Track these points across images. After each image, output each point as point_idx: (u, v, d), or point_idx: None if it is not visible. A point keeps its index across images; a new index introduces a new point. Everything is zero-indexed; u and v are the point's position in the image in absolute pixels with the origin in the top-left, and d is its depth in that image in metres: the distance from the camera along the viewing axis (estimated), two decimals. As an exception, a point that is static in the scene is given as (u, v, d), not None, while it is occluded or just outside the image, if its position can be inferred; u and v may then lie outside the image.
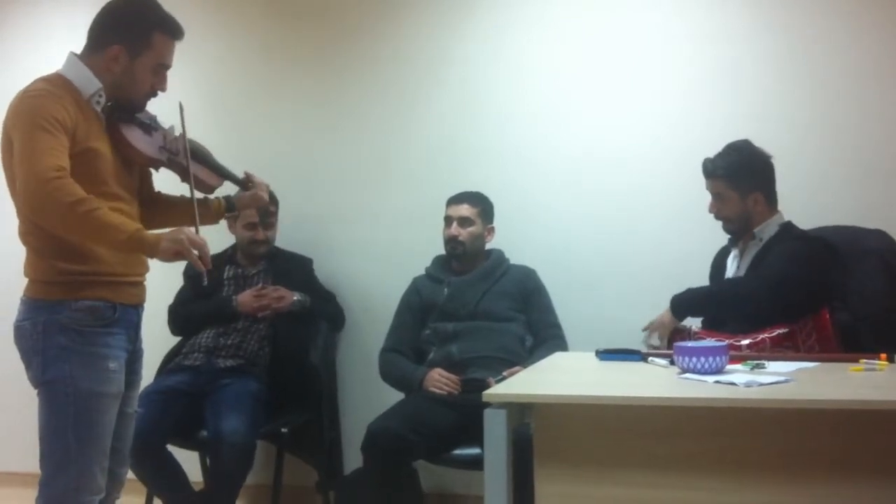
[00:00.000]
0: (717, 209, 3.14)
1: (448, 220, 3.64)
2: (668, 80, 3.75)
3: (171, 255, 2.33)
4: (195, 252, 2.34)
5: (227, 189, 2.78)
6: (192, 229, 2.45)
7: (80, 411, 2.38)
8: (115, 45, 2.46)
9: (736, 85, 3.66)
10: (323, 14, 4.20)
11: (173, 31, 2.54)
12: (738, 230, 3.16)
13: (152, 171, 2.70)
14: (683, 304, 3.03)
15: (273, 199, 3.82)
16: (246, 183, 2.76)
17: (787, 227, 3.09)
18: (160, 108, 2.62)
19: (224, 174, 2.72)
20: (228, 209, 2.74)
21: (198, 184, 2.61)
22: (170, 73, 2.59)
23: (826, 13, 3.58)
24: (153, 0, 2.56)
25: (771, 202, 3.13)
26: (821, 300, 2.93)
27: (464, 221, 3.61)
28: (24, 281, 2.48)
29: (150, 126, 2.59)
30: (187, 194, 2.62)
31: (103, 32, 2.49)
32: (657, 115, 3.75)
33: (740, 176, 3.08)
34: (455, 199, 3.67)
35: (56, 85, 2.41)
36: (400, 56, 4.10)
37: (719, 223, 3.21)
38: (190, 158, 2.59)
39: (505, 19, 3.96)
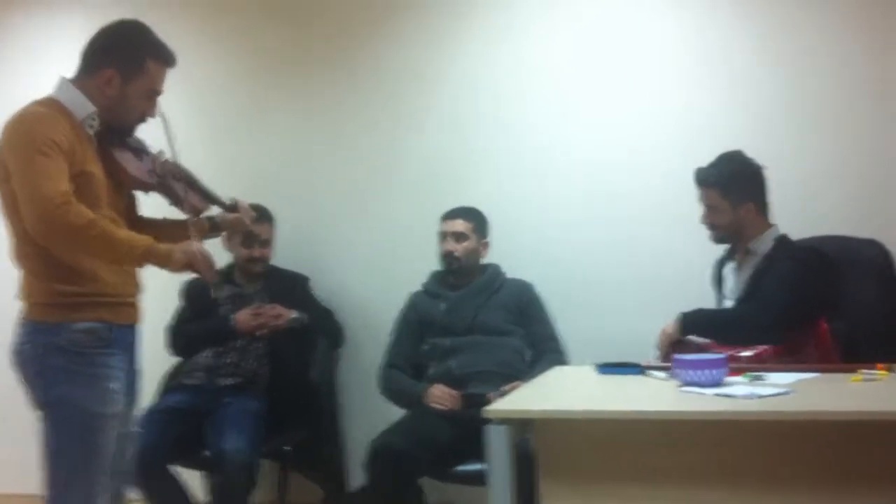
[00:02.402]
0: (709, 219, 3.16)
1: (443, 236, 3.65)
2: (665, 93, 3.76)
3: (181, 266, 2.41)
4: (204, 263, 2.43)
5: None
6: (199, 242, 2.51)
7: (83, 432, 2.39)
8: (108, 68, 2.48)
9: (735, 96, 3.67)
10: (318, 25, 4.21)
11: (166, 59, 2.56)
12: (726, 239, 3.17)
13: (138, 194, 2.71)
14: (691, 323, 3.04)
15: (268, 217, 3.83)
16: (231, 207, 2.77)
17: (782, 241, 3.10)
18: (146, 126, 2.63)
19: (210, 198, 2.74)
20: (213, 229, 2.75)
21: (187, 206, 2.63)
22: (165, 87, 2.60)
23: (824, 24, 3.59)
24: (146, 26, 2.58)
25: (763, 213, 3.14)
26: (819, 312, 2.94)
27: (458, 237, 3.63)
28: (15, 302, 2.48)
29: (140, 150, 2.62)
30: (170, 217, 2.66)
31: (97, 56, 2.51)
32: (655, 129, 3.77)
33: (732, 185, 3.09)
34: (449, 215, 3.68)
35: (51, 108, 2.42)
36: (396, 68, 4.10)
37: (719, 234, 3.24)
38: (180, 181, 2.62)
39: (502, 31, 3.97)
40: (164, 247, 2.40)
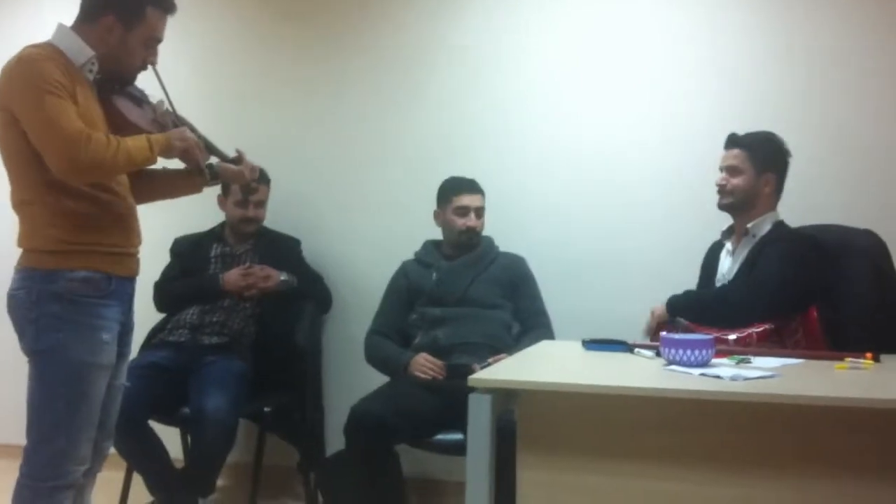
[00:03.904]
0: (728, 181, 3.10)
1: (464, 210, 3.58)
2: (664, 76, 3.75)
3: (179, 152, 2.53)
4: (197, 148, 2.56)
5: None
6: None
7: (71, 381, 2.39)
8: (108, 15, 2.47)
9: (732, 82, 3.66)
10: (324, -1, 4.19)
11: (166, 6, 2.56)
12: (736, 205, 3.11)
13: None
14: (679, 306, 3.03)
15: (265, 179, 3.81)
16: (236, 160, 2.76)
17: (779, 226, 3.08)
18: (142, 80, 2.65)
19: (211, 149, 2.73)
20: (212, 177, 2.73)
21: None
22: (165, 52, 2.62)
23: (822, 14, 3.57)
24: None
25: (778, 192, 3.13)
26: (809, 299, 2.93)
27: (480, 211, 3.61)
28: (9, 252, 2.47)
29: (141, 99, 2.63)
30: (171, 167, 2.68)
31: (97, 3, 2.50)
32: (653, 110, 3.75)
33: (763, 152, 3.08)
34: (470, 189, 3.62)
35: (48, 51, 2.41)
36: (396, 41, 4.08)
37: (710, 218, 3.21)
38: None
39: (503, 7, 3.94)
40: (161, 136, 2.50)
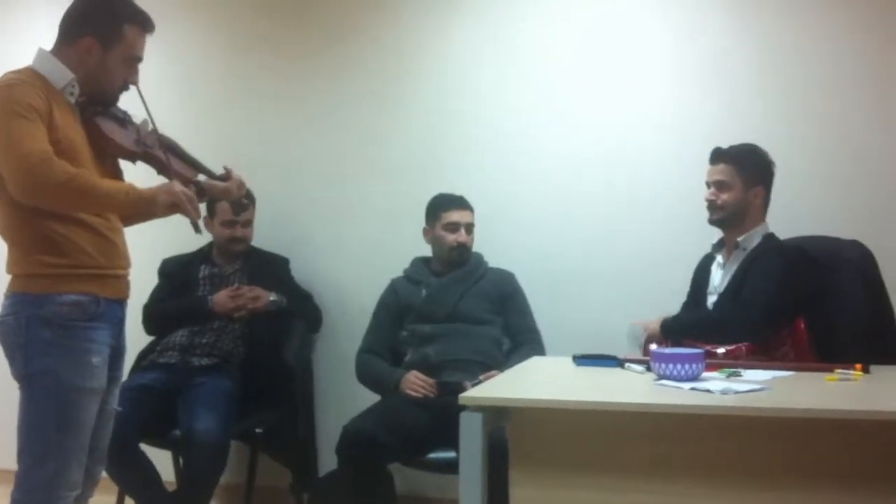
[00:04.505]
0: (717, 196, 3.11)
1: (454, 226, 3.59)
2: (651, 87, 3.75)
3: (167, 208, 2.45)
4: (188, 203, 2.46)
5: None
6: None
7: (61, 405, 2.38)
8: (87, 36, 2.48)
9: (720, 94, 3.65)
10: (305, 9, 4.18)
11: (144, 24, 2.56)
12: (725, 222, 3.13)
13: (125, 165, 2.69)
14: (673, 330, 3.03)
15: (250, 197, 3.79)
16: (223, 177, 2.76)
17: (769, 238, 3.10)
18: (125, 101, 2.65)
19: (198, 167, 2.73)
20: (199, 194, 2.70)
21: (175, 175, 2.61)
22: (148, 67, 2.63)
23: (813, 24, 3.58)
24: None
25: (765, 204, 3.15)
26: (798, 311, 2.94)
27: (469, 227, 3.62)
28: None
29: (124, 120, 2.62)
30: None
31: (75, 25, 2.51)
32: (640, 121, 3.75)
33: (748, 165, 3.10)
34: (459, 205, 3.63)
35: (26, 76, 2.42)
36: (382, 54, 4.08)
37: (701, 229, 3.21)
38: (166, 149, 2.62)
39: (490, 18, 3.95)
40: (146, 189, 2.44)
